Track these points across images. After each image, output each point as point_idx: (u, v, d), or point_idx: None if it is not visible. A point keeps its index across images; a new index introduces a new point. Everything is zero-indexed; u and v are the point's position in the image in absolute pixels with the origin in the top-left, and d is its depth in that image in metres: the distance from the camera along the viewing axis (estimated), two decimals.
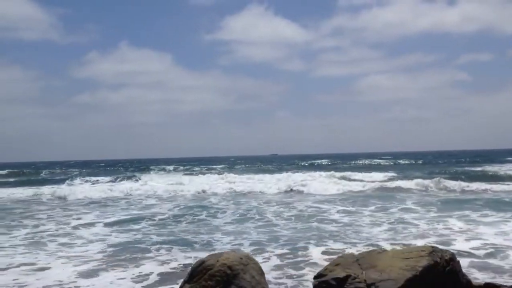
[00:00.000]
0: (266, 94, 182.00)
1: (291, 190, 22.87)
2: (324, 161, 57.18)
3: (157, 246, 10.10)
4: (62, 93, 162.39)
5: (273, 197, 20.66)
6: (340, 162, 56.30)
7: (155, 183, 26.21)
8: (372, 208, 15.66)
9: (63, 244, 10.63)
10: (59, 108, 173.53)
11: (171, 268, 8.15)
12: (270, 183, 24.88)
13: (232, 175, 29.98)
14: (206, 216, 14.72)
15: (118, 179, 31.09)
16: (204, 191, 23.05)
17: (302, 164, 55.23)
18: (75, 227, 13.07)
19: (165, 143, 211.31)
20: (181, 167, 48.98)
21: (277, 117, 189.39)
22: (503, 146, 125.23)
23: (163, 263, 8.54)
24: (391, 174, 29.12)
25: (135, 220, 14.15)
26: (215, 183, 25.42)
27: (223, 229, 12.20)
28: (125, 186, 24.54)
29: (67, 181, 30.20)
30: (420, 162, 53.17)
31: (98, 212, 16.32)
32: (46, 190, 23.97)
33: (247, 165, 52.99)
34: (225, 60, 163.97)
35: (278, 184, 24.32)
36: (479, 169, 33.74)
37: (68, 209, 17.43)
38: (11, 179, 35.94)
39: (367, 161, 55.46)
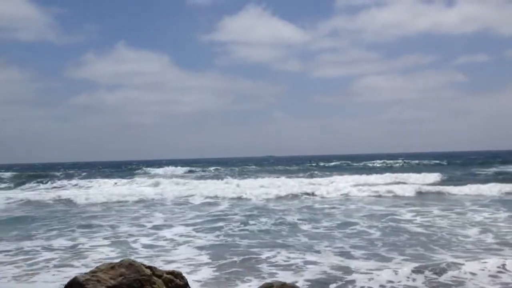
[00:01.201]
0: (263, 95, 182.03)
1: (345, 194, 21.62)
2: (337, 163, 56.93)
3: (259, 249, 9.99)
4: (59, 94, 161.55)
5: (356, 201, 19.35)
6: (350, 162, 56.15)
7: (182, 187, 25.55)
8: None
9: (158, 247, 10.62)
10: (56, 109, 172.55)
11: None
12: (323, 186, 24.02)
13: (265, 177, 29.60)
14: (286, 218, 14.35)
15: (134, 182, 30.86)
16: (240, 197, 21.76)
17: (314, 165, 54.89)
18: (155, 228, 13.18)
19: (162, 144, 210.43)
20: (195, 169, 48.55)
21: (274, 118, 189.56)
22: (502, 147, 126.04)
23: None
24: (440, 175, 28.50)
25: (213, 221, 14.22)
26: (247, 186, 24.85)
27: (307, 232, 11.96)
28: (150, 189, 24.02)
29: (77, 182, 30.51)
30: (445, 162, 53.11)
31: (161, 214, 16.16)
32: (76, 192, 23.40)
33: (259, 167, 52.85)
34: (223, 61, 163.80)
35: (334, 186, 23.58)
36: None
37: (126, 211, 17.27)
38: (22, 181, 35.42)
39: (378, 162, 55.27)
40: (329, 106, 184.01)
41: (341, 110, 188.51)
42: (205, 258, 9.27)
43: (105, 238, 11.74)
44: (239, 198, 21.33)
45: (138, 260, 9.05)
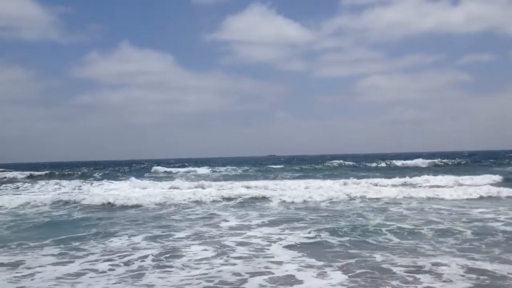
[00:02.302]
0: (266, 95, 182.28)
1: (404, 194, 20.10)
2: (350, 162, 56.92)
3: (370, 251, 9.90)
4: (62, 94, 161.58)
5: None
6: (364, 164, 56.12)
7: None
8: None
9: (249, 244, 10.61)
10: (59, 108, 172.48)
11: None
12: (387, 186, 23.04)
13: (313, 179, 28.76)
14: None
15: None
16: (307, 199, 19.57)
17: (328, 164, 54.73)
18: (237, 227, 13.17)
19: (164, 144, 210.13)
20: (218, 169, 48.25)
21: (277, 118, 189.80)
22: (506, 147, 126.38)
23: None
24: (494, 177, 26.77)
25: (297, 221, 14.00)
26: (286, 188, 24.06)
27: None
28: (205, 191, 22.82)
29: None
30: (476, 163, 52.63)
31: (232, 216, 15.88)
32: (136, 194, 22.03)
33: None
34: (226, 61, 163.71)
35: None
36: None
37: (197, 212, 16.81)
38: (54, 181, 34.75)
39: (391, 162, 55.04)
40: (332, 106, 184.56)
41: (344, 110, 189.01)
42: (312, 260, 9.23)
43: (191, 239, 11.82)
44: (309, 199, 19.43)
45: (240, 260, 9.18)
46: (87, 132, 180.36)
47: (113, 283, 7.96)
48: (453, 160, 56.13)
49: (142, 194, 20.15)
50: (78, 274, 8.57)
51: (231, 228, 13.30)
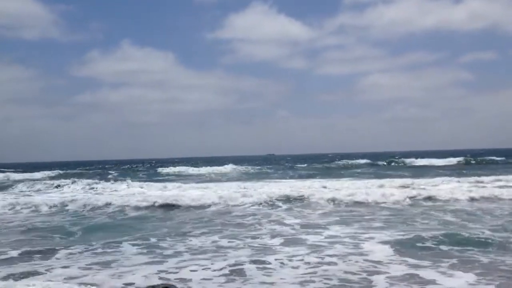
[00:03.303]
0: (267, 94, 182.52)
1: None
2: (362, 161, 56.92)
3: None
4: (63, 93, 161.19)
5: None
6: (377, 163, 56.23)
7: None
8: None
9: (339, 243, 10.37)
10: (60, 107, 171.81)
11: None
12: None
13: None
14: None
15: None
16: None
17: (351, 163, 54.49)
18: (311, 226, 12.70)
19: (165, 143, 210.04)
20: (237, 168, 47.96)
21: (278, 116, 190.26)
22: (508, 146, 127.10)
23: None
24: None
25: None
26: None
27: None
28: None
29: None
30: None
31: (292, 215, 15.62)
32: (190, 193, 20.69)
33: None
34: (228, 59, 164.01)
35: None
36: None
37: (266, 212, 16.28)
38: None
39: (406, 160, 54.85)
40: (333, 104, 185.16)
41: (345, 108, 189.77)
42: (417, 258, 9.09)
43: (270, 237, 11.75)
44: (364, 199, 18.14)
45: (338, 258, 9.10)
46: (88, 131, 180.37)
47: (224, 282, 7.88)
48: (481, 158, 55.06)
49: (197, 194, 19.92)
50: (186, 273, 8.46)
51: (302, 226, 13.18)
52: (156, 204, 17.23)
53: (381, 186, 22.48)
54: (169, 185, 26.01)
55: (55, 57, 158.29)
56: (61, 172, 48.75)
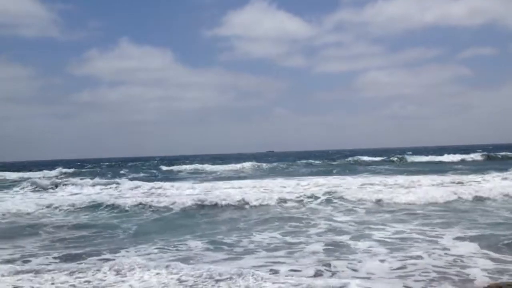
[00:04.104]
0: (266, 91, 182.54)
1: None
2: (366, 158, 56.82)
3: None
4: (61, 91, 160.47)
5: None
6: (387, 159, 56.11)
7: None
8: None
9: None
10: (58, 106, 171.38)
11: None
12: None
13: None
14: None
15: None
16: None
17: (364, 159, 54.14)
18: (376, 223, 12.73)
19: (164, 141, 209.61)
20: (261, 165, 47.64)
21: (276, 114, 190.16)
22: (506, 141, 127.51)
23: None
24: None
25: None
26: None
27: None
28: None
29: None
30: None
31: (338, 211, 15.55)
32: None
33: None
34: (226, 57, 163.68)
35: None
36: None
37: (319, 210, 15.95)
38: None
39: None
40: (331, 101, 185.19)
41: (344, 105, 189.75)
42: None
43: (335, 233, 11.83)
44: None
45: (424, 253, 9.07)
46: (86, 129, 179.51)
47: (313, 276, 7.94)
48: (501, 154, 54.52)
49: (240, 191, 19.93)
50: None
51: (358, 223, 13.20)
52: (206, 203, 17.17)
53: (416, 182, 21.89)
54: (199, 184, 25.80)
55: (53, 56, 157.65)
56: (69, 170, 48.48)
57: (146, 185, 23.93)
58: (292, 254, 9.75)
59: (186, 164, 56.43)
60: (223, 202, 17.09)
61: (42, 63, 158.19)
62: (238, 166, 47.49)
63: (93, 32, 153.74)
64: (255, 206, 16.92)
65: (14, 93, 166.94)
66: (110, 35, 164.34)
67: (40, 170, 51.70)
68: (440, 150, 77.80)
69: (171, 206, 16.99)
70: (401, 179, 23.46)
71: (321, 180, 25.27)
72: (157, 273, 7.97)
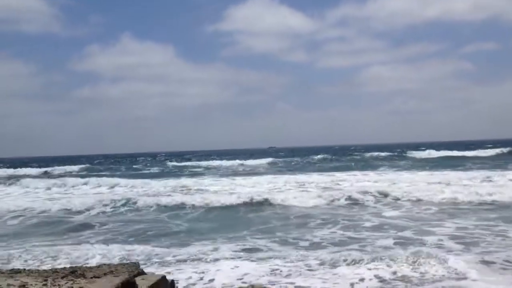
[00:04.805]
0: (268, 87, 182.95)
1: None
2: (383, 153, 56.72)
3: None
4: (63, 88, 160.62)
5: None
6: (400, 154, 56.07)
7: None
8: None
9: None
10: (60, 102, 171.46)
11: None
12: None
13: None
14: None
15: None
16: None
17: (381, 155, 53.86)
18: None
19: (166, 136, 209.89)
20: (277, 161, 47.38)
21: (278, 109, 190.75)
22: (506, 136, 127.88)
23: None
24: None
25: None
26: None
27: None
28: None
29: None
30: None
31: (390, 208, 15.30)
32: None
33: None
34: (228, 52, 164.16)
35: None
36: None
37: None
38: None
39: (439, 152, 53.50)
40: (334, 97, 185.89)
41: (346, 100, 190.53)
42: None
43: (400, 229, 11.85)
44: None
45: None
46: (87, 125, 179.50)
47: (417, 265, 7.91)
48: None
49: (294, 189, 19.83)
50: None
51: (411, 219, 13.17)
52: (254, 201, 16.86)
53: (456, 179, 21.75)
54: (233, 180, 25.62)
55: (55, 52, 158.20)
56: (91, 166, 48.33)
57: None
58: (365, 248, 9.73)
59: (192, 160, 56.29)
60: (271, 201, 16.78)
61: (44, 59, 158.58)
62: (254, 162, 47.50)
63: (94, 27, 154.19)
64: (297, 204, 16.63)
65: (16, 90, 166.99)
66: (112, 31, 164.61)
67: (57, 166, 51.62)
68: (448, 145, 77.85)
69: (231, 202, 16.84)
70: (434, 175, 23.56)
71: (341, 175, 25.53)
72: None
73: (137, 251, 9.82)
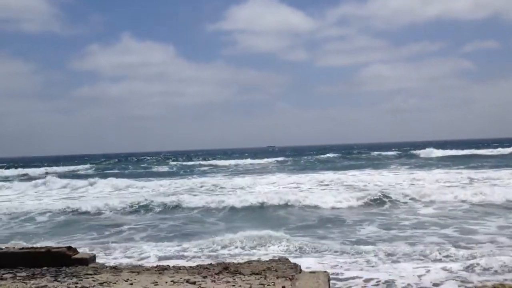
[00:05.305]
0: (268, 86, 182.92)
1: None
2: (390, 153, 56.84)
3: None
4: (63, 87, 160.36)
5: None
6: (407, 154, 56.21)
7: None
8: None
9: None
10: (60, 101, 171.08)
11: None
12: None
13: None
14: None
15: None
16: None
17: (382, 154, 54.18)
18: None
19: (166, 136, 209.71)
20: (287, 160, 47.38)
21: (278, 109, 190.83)
22: (507, 135, 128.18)
23: None
24: None
25: None
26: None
27: None
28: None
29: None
30: None
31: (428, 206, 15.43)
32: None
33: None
34: (228, 51, 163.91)
35: None
36: None
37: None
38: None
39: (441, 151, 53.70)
40: (333, 96, 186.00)
41: (346, 100, 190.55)
42: None
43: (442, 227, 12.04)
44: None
45: None
46: (87, 125, 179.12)
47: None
48: None
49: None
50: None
51: (456, 218, 13.29)
52: (289, 202, 16.83)
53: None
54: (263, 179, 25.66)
55: (55, 51, 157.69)
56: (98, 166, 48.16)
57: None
58: (415, 245, 9.87)
59: (197, 159, 56.33)
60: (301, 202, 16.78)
61: (44, 58, 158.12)
62: (262, 161, 47.66)
63: (94, 27, 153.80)
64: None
65: (16, 89, 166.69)
66: (112, 30, 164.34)
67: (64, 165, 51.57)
68: (450, 144, 78.02)
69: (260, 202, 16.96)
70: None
71: (359, 175, 25.61)
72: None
73: None
